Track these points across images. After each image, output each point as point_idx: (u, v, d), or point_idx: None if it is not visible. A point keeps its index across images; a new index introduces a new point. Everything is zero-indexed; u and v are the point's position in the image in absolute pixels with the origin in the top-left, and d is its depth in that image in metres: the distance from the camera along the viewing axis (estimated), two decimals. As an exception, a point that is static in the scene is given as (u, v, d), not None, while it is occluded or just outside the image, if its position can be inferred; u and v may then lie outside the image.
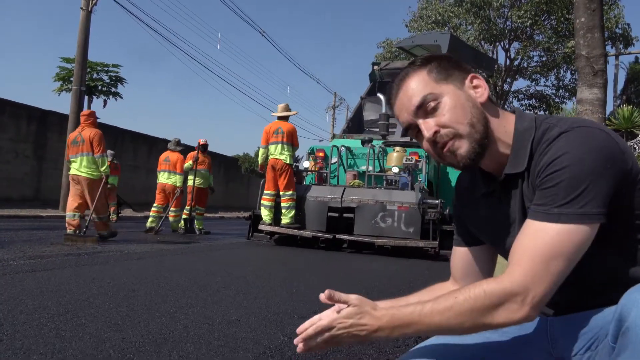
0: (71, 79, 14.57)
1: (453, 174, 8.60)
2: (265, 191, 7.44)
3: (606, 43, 8.72)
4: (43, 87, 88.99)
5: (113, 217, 10.57)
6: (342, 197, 6.94)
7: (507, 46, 21.52)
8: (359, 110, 10.54)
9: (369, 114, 10.38)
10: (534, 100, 24.03)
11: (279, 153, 7.35)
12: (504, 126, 1.07)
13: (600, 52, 5.41)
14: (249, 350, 2.02)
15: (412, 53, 9.94)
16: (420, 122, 1.05)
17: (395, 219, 6.64)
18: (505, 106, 17.73)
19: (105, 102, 17.51)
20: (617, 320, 0.86)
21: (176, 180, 9.06)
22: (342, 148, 8.32)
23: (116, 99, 17.72)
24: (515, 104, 24.11)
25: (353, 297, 0.99)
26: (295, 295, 3.27)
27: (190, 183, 9.16)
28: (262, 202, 7.40)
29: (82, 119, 6.85)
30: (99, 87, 17.31)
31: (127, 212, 14.08)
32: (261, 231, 7.48)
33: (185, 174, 9.16)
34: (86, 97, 15.45)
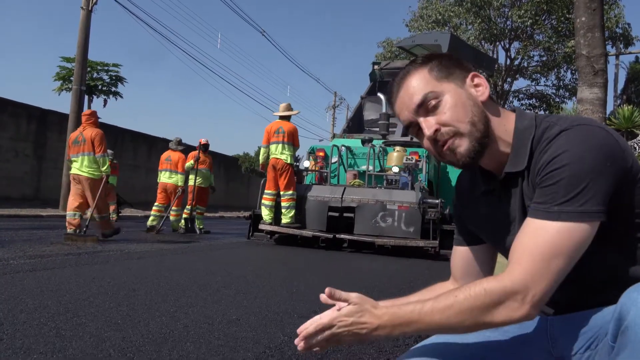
0: (71, 78, 14.57)
1: (453, 174, 8.60)
2: (265, 191, 7.44)
3: (606, 43, 8.71)
4: (43, 86, 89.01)
5: (113, 216, 10.57)
6: (342, 197, 6.94)
7: (507, 46, 21.53)
8: (359, 110, 10.54)
9: (369, 114, 10.38)
10: (534, 100, 24.06)
11: (279, 153, 7.35)
12: (505, 125, 1.07)
13: (601, 51, 5.42)
14: (249, 349, 2.02)
15: (412, 52, 9.94)
16: (421, 120, 1.05)
17: (396, 219, 6.64)
18: (506, 106, 17.71)
19: (105, 101, 17.54)
20: (617, 320, 0.86)
21: (177, 179, 9.08)
22: (343, 148, 8.32)
23: (116, 99, 17.74)
24: (516, 103, 24.14)
25: (353, 296, 0.99)
26: (295, 295, 3.27)
27: (191, 182, 9.17)
28: (263, 201, 7.40)
29: (83, 118, 6.87)
30: (99, 87, 17.32)
31: (127, 212, 14.08)
32: (261, 231, 7.49)
33: (186, 173, 9.17)
34: (86, 97, 15.45)
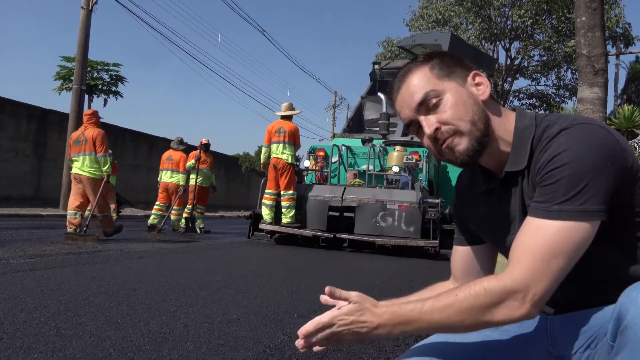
0: (71, 77, 14.57)
1: (453, 173, 8.60)
2: (266, 190, 7.45)
3: (607, 42, 8.71)
4: (43, 86, 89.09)
5: (113, 215, 10.58)
6: (342, 197, 6.94)
7: (507, 45, 21.52)
8: (360, 110, 10.54)
9: (370, 113, 10.38)
10: (534, 100, 24.06)
11: (280, 152, 7.35)
12: (505, 124, 1.06)
13: (601, 51, 5.42)
14: (249, 349, 2.02)
15: (412, 52, 9.95)
16: (422, 118, 1.05)
17: (396, 218, 6.64)
18: (506, 105, 17.71)
19: (105, 101, 17.53)
20: (616, 319, 0.86)
21: (179, 179, 9.10)
22: (343, 147, 8.32)
23: (116, 98, 17.73)
24: (516, 103, 24.14)
25: (354, 294, 0.99)
26: (295, 294, 3.27)
27: (192, 182, 9.18)
28: (264, 201, 7.41)
29: (85, 118, 6.89)
30: (100, 86, 17.31)
31: (127, 211, 14.08)
32: (262, 230, 7.49)
33: (187, 172, 9.19)
34: (86, 96, 15.45)
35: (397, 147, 7.84)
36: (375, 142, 8.10)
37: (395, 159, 7.63)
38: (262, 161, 7.83)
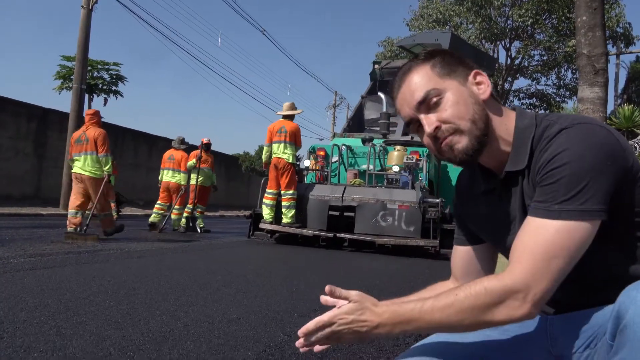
0: (72, 77, 14.56)
1: (453, 173, 8.60)
2: (267, 190, 7.45)
3: (607, 42, 8.71)
4: (43, 85, 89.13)
5: (114, 215, 10.59)
6: (342, 196, 6.94)
7: (508, 45, 21.52)
8: (360, 109, 10.54)
9: (370, 113, 10.37)
10: (534, 99, 24.06)
11: (281, 152, 7.35)
12: (505, 124, 1.06)
13: (602, 50, 5.41)
14: (249, 348, 2.02)
15: (412, 52, 9.93)
16: (422, 117, 1.05)
17: (396, 218, 6.64)
18: (506, 105, 17.69)
19: (105, 100, 17.50)
20: (615, 318, 0.85)
21: (180, 178, 9.12)
22: (343, 147, 8.32)
23: (117, 98, 17.71)
24: (516, 103, 24.14)
25: (354, 293, 0.99)
26: (295, 294, 3.27)
27: (193, 181, 9.19)
28: (264, 200, 7.41)
29: (86, 118, 6.91)
30: (100, 86, 17.29)
31: (127, 211, 14.09)
32: (262, 230, 7.49)
33: (188, 172, 9.20)
34: (87, 96, 15.44)
35: (398, 147, 7.84)
36: (375, 141, 8.10)
37: (395, 158, 7.63)
38: (263, 160, 7.84)
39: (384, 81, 9.91)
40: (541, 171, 0.95)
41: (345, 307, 0.97)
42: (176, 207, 9.00)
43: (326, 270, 4.96)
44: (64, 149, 13.27)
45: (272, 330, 2.31)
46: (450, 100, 1.02)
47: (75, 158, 6.62)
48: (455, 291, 0.95)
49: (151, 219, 8.80)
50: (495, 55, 21.37)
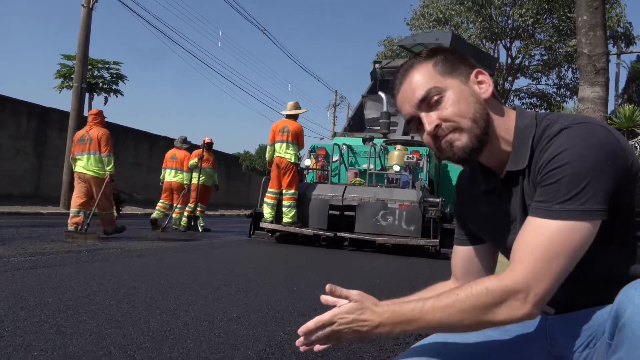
0: (72, 76, 14.55)
1: (454, 172, 8.60)
2: (268, 189, 7.45)
3: (608, 42, 8.70)
4: (44, 84, 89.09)
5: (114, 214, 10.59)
6: (343, 196, 6.94)
7: (508, 45, 21.52)
8: (360, 109, 10.54)
9: (370, 112, 10.37)
10: (535, 99, 24.05)
11: (283, 151, 7.36)
12: (506, 123, 1.06)
13: (602, 50, 5.41)
14: (249, 347, 2.02)
15: (413, 51, 9.93)
16: (423, 115, 1.04)
17: (396, 217, 6.64)
18: (507, 105, 17.70)
19: (106, 99, 17.48)
20: (614, 317, 0.85)
21: (183, 177, 9.15)
22: (344, 146, 8.32)
23: (117, 97, 17.68)
24: (517, 102, 24.14)
25: (354, 293, 0.99)
26: (296, 293, 3.27)
27: (194, 181, 9.20)
28: (265, 199, 7.41)
29: (90, 117, 6.93)
30: (100, 85, 17.26)
31: (127, 210, 14.09)
32: (262, 229, 7.49)
33: (190, 171, 9.21)
34: (87, 95, 15.42)
35: (398, 146, 7.84)
36: (376, 141, 8.10)
37: (395, 158, 7.63)
38: (267, 159, 7.84)
39: (385, 80, 9.90)
40: (542, 171, 0.95)
41: (345, 307, 0.97)
42: (178, 206, 9.01)
43: (326, 269, 4.96)
44: (64, 147, 13.26)
45: (272, 329, 2.31)
46: (451, 98, 1.02)
47: (77, 157, 6.63)
48: (456, 291, 0.95)
49: (153, 216, 8.81)
50: (496, 55, 21.37)
